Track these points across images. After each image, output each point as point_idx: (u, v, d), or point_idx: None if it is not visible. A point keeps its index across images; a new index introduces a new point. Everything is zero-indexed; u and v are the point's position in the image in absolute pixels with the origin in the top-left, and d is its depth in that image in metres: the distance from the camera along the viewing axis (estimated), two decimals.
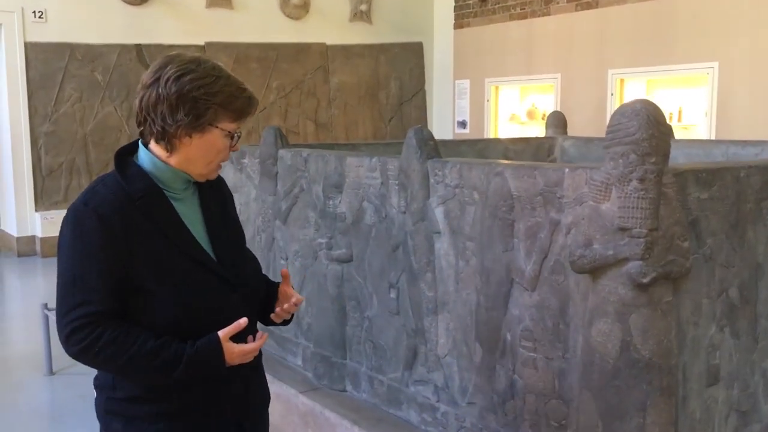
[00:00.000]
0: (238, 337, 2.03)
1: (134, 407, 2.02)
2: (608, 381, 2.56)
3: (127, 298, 1.95)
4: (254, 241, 4.74)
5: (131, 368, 1.94)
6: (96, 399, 2.10)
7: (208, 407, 2.07)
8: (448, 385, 3.37)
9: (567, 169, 2.75)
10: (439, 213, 3.34)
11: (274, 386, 4.16)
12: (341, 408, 3.82)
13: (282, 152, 4.43)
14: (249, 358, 2.09)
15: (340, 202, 3.95)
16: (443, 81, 13.07)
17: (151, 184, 2.00)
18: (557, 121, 7.05)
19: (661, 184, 2.48)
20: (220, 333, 1.98)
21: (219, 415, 2.09)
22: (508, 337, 3.04)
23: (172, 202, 2.04)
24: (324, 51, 12.51)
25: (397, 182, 3.55)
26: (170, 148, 2.01)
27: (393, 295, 3.64)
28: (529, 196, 2.89)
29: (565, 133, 6.94)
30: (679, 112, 9.78)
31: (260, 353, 2.26)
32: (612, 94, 10.25)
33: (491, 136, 11.68)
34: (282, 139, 4.48)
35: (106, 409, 2.06)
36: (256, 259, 2.43)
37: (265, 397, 2.39)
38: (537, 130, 11.18)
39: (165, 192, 2.03)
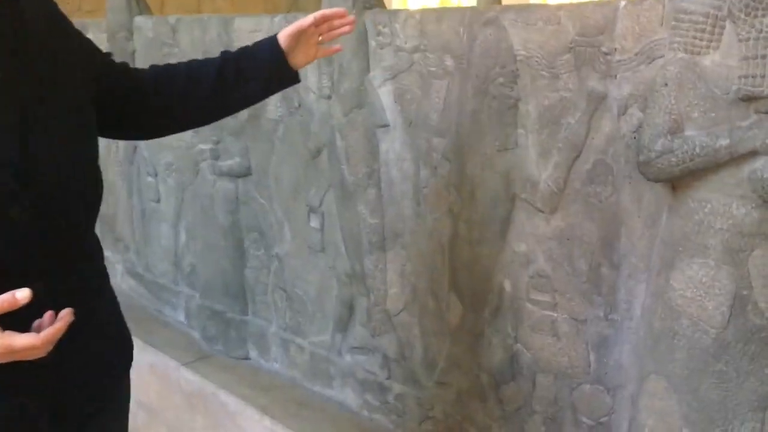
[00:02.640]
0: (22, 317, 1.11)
1: None
2: (706, 363, 1.50)
3: None
4: (109, 154, 3.40)
5: None
6: None
7: None
8: (404, 355, 2.26)
9: (623, 2, 1.59)
10: (385, 95, 2.13)
11: (147, 354, 2.97)
12: (243, 386, 2.66)
13: (139, 20, 3.05)
14: (25, 357, 1.12)
15: None
16: None
17: None
18: None
19: None
20: None
21: (11, 403, 1.23)
22: (507, 286, 1.93)
23: None
24: None
25: None
26: None
27: (315, 223, 2.45)
28: (549, 56, 1.72)
29: None
30: None
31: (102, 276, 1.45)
32: None
33: None
34: (138, 2, 3.09)
35: None
36: (92, 152, 1.32)
37: (110, 362, 1.48)
38: None
39: None
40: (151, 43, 2.99)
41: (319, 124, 2.34)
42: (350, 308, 2.40)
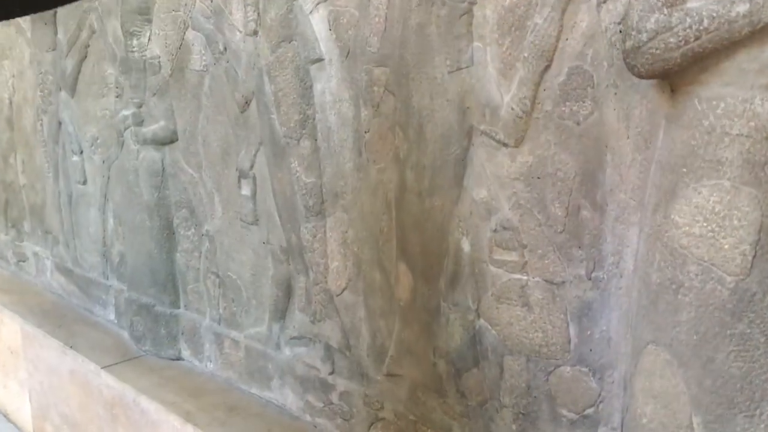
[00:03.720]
0: None
1: None
2: (722, 324, 1.09)
3: None
4: (35, 130, 3.01)
5: None
6: None
7: None
8: (349, 344, 1.85)
9: None
10: (318, 21, 1.75)
11: (67, 359, 2.55)
12: (169, 391, 2.24)
13: None
14: None
15: (149, 39, 2.28)
16: None
17: None
18: None
19: None
20: None
21: None
22: (465, 245, 1.53)
23: None
24: None
25: None
26: None
27: (246, 190, 2.06)
28: None
29: None
30: None
31: None
32: None
33: None
34: None
35: None
36: None
37: None
38: None
39: None
40: (73, 5, 2.62)
41: (246, 68, 1.95)
42: (287, 290, 2.00)
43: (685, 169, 1.12)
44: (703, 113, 1.09)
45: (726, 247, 1.08)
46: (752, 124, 1.04)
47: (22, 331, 2.83)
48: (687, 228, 1.11)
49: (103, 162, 2.63)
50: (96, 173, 2.69)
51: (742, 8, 1.00)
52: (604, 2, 1.23)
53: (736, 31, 1.01)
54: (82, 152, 2.74)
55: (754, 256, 1.06)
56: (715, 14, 1.02)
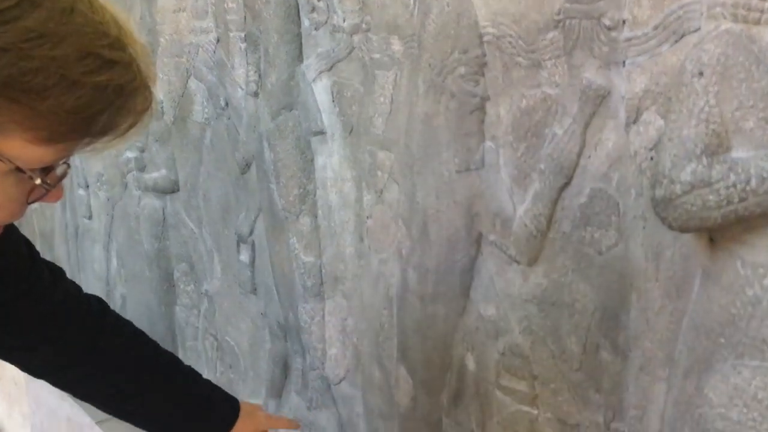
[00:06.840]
0: None
1: None
2: None
3: None
4: None
5: None
6: None
7: None
8: None
9: None
10: (321, 91, 1.59)
11: (66, 405, 2.46)
12: None
13: None
14: None
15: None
16: None
17: None
18: None
19: None
20: None
21: None
22: (470, 363, 1.36)
23: None
24: None
25: (243, 34, 1.76)
26: None
27: (244, 256, 1.92)
28: (527, 34, 1.16)
29: None
30: None
31: None
32: None
33: None
34: None
35: None
36: None
37: None
38: None
39: None
40: None
41: (246, 128, 1.80)
42: (284, 368, 1.86)
43: (723, 340, 0.94)
44: (747, 280, 0.90)
45: None
46: None
47: None
48: (723, 410, 0.94)
49: (108, 200, 2.51)
50: (101, 210, 2.57)
51: None
52: (634, 122, 1.04)
53: None
54: (88, 186, 2.63)
55: None
56: (765, 174, 0.84)
